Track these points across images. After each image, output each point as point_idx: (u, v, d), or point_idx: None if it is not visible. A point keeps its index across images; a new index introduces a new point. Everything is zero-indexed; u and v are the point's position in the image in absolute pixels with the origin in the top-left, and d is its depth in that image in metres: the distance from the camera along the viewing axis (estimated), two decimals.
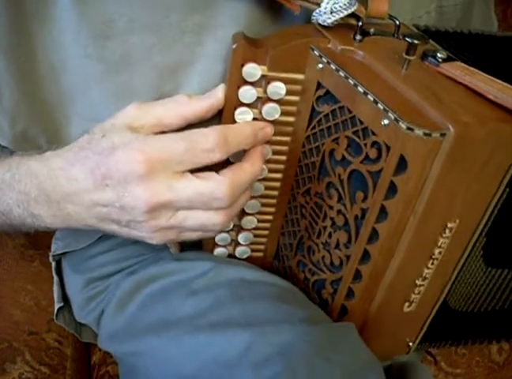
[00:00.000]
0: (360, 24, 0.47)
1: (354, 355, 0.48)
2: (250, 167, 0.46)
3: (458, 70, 0.44)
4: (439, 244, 0.46)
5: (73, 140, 0.49)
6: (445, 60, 0.45)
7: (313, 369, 0.45)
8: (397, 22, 0.48)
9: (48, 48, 0.48)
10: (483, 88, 0.43)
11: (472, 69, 0.45)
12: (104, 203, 0.45)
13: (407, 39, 0.43)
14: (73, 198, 0.45)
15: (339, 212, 0.48)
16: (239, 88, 0.48)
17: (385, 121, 0.41)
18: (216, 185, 0.44)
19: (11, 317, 0.68)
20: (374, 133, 0.42)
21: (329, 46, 0.47)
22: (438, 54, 0.45)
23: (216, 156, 0.44)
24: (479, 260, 0.51)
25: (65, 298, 0.67)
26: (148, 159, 0.42)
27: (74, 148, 0.46)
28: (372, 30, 0.48)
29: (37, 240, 0.78)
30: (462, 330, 0.59)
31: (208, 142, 0.43)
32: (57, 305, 0.66)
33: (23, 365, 0.63)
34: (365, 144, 0.43)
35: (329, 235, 0.50)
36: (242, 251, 0.58)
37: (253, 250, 0.59)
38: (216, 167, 0.45)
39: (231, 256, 0.59)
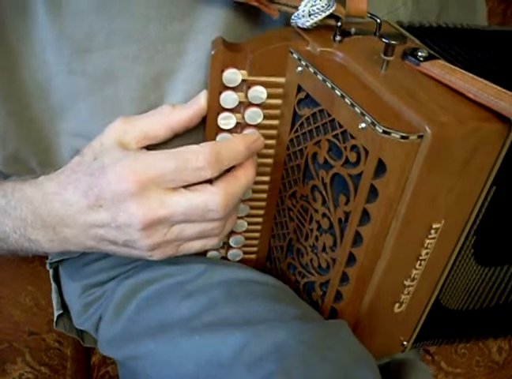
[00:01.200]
0: (339, 24, 0.46)
1: (348, 351, 0.48)
2: (243, 175, 0.46)
3: (439, 69, 0.44)
4: (426, 245, 0.46)
5: (64, 159, 0.50)
6: (426, 58, 0.45)
7: (308, 367, 0.45)
8: (378, 20, 0.48)
9: (32, 67, 0.48)
10: (464, 86, 0.42)
11: (453, 67, 0.44)
12: (100, 224, 0.45)
13: (383, 39, 0.43)
14: (69, 222, 0.46)
15: (324, 215, 0.48)
16: (220, 93, 0.48)
17: (363, 125, 0.40)
18: (210, 196, 0.44)
19: (11, 318, 0.68)
20: (352, 137, 0.42)
21: (308, 48, 0.46)
22: (419, 53, 0.45)
23: (208, 174, 0.43)
24: (470, 258, 0.51)
25: (64, 304, 0.68)
26: (138, 178, 0.42)
27: (66, 171, 0.47)
28: (353, 30, 0.48)
29: None
30: (458, 328, 0.59)
31: (199, 160, 0.43)
32: (56, 313, 0.66)
33: (23, 366, 0.64)
34: (345, 148, 0.43)
35: (316, 238, 0.50)
36: (234, 254, 0.58)
37: (245, 253, 0.59)
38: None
39: (224, 258, 0.59)
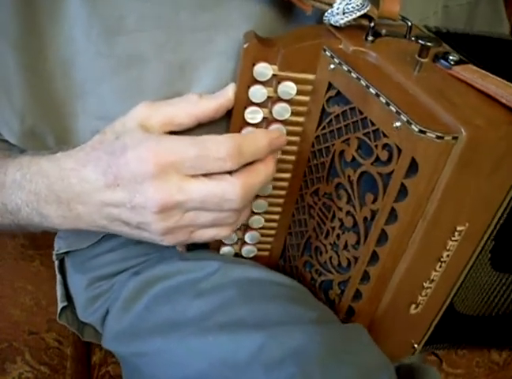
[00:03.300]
0: (372, 25, 0.47)
1: (366, 356, 0.48)
2: (264, 169, 0.46)
3: (470, 73, 0.44)
4: (448, 247, 0.46)
5: (81, 138, 0.49)
6: (457, 62, 0.45)
7: (327, 371, 0.45)
8: (409, 23, 0.48)
9: (59, 44, 0.47)
10: (496, 91, 0.42)
11: (483, 72, 0.45)
12: (115, 203, 0.45)
13: (420, 41, 0.43)
14: (84, 198, 0.45)
15: (348, 213, 0.48)
16: (249, 87, 0.48)
17: (397, 124, 0.41)
18: (229, 186, 0.43)
19: (11, 317, 0.67)
20: (385, 135, 0.42)
21: (341, 47, 0.47)
22: (450, 57, 0.45)
23: (228, 166, 0.43)
24: (486, 263, 0.51)
25: (68, 297, 0.67)
26: (159, 160, 0.42)
27: (86, 148, 0.46)
28: (384, 31, 0.48)
29: (37, 240, 0.78)
30: (467, 333, 0.59)
31: (221, 151, 0.43)
32: (60, 305, 0.66)
33: (23, 365, 0.63)
34: (376, 146, 0.43)
35: (338, 236, 0.50)
36: (248, 250, 0.58)
37: (259, 249, 0.58)
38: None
39: (237, 255, 0.59)
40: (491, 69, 0.47)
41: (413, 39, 0.44)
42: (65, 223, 0.48)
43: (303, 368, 0.45)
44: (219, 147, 0.43)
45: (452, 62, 0.45)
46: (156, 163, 0.42)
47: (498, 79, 0.44)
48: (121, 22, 0.46)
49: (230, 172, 0.44)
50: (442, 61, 0.45)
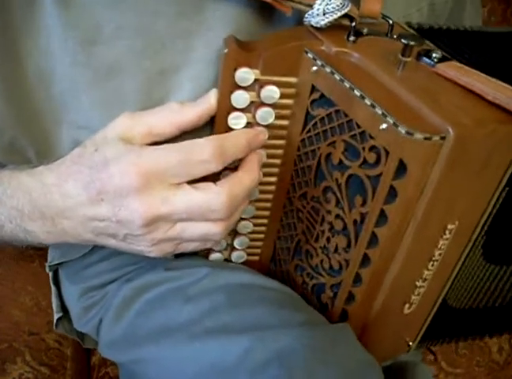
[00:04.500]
0: (354, 24, 0.46)
1: (351, 356, 0.48)
2: (248, 176, 0.46)
3: (454, 70, 0.44)
4: (439, 246, 0.46)
5: (62, 151, 0.49)
6: (440, 60, 0.45)
7: (311, 373, 0.45)
8: (391, 21, 0.48)
9: (36, 56, 0.46)
10: (481, 88, 0.42)
11: (468, 68, 0.44)
12: (100, 218, 0.44)
13: (402, 40, 0.43)
14: (68, 214, 0.45)
15: (337, 216, 0.47)
16: (231, 92, 0.47)
17: (384, 126, 0.40)
18: (214, 196, 0.43)
19: (11, 318, 0.68)
20: (372, 137, 0.42)
21: (323, 48, 0.46)
22: (434, 54, 0.45)
23: (213, 167, 0.43)
24: (478, 258, 0.51)
25: (64, 307, 0.67)
26: (142, 173, 0.42)
27: (67, 162, 0.45)
28: (365, 30, 0.48)
29: None
30: (462, 326, 0.59)
31: (204, 153, 0.42)
32: (56, 316, 0.65)
33: (23, 366, 0.63)
34: (363, 148, 0.43)
35: (328, 240, 0.49)
36: (238, 256, 0.57)
37: (249, 254, 0.58)
38: (213, 176, 0.44)
39: (227, 260, 0.58)
40: (475, 64, 0.47)
41: (395, 37, 0.43)
42: (50, 237, 0.47)
43: (288, 370, 0.45)
44: (202, 149, 0.42)
45: (435, 60, 0.45)
46: (139, 176, 0.42)
47: (483, 75, 0.43)
48: (97, 32, 0.46)
49: (214, 181, 0.44)
50: (426, 59, 0.45)
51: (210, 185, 0.44)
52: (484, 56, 0.49)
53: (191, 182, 0.44)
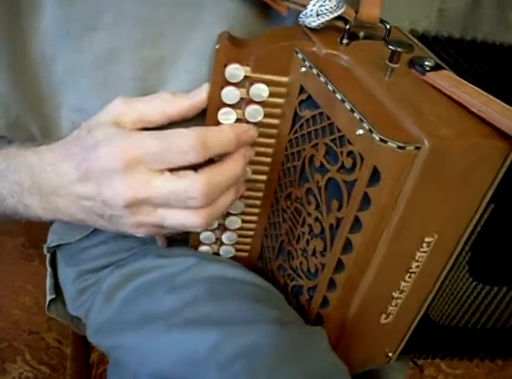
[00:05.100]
0: (348, 27, 0.46)
1: (319, 360, 0.47)
2: (229, 168, 0.45)
3: (444, 80, 0.43)
4: (417, 258, 0.45)
5: (63, 131, 0.51)
6: (433, 68, 0.44)
7: (274, 372, 0.45)
8: (388, 26, 0.47)
9: (39, 39, 0.48)
10: (468, 100, 0.41)
11: (459, 79, 0.43)
12: (87, 196, 0.46)
13: (390, 46, 0.42)
14: (61, 192, 0.47)
15: (316, 219, 0.47)
16: (222, 88, 0.47)
17: (360, 131, 0.40)
18: (191, 183, 0.43)
19: (11, 317, 0.69)
20: (350, 142, 0.41)
21: (314, 49, 0.46)
22: (426, 62, 0.44)
23: (190, 158, 0.43)
24: (464, 274, 0.50)
25: (58, 290, 0.68)
26: (127, 156, 0.43)
27: (66, 144, 0.47)
28: (362, 34, 0.47)
29: (37, 240, 0.79)
30: (448, 344, 0.58)
31: (185, 144, 0.43)
32: (49, 297, 0.67)
33: (23, 365, 0.64)
34: (341, 153, 0.42)
35: (307, 242, 0.49)
36: (226, 250, 0.58)
37: (237, 250, 0.58)
38: (201, 166, 0.44)
39: (217, 254, 0.58)
40: (475, 77, 0.45)
41: (384, 43, 0.43)
42: (46, 214, 0.49)
43: (251, 367, 0.45)
44: (183, 139, 0.43)
45: (427, 68, 0.44)
46: (124, 158, 0.43)
47: (473, 87, 0.42)
48: (98, 18, 0.47)
49: (195, 169, 0.44)
50: (417, 66, 0.44)
51: (190, 172, 0.44)
52: (491, 68, 0.48)
53: (176, 170, 0.44)
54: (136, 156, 0.43)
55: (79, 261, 0.65)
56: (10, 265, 0.75)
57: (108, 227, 0.48)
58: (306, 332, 0.49)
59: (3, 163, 0.50)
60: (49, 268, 0.69)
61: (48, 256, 0.69)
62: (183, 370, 0.49)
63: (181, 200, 0.44)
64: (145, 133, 0.45)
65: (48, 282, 0.68)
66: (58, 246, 0.67)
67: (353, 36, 0.46)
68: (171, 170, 0.44)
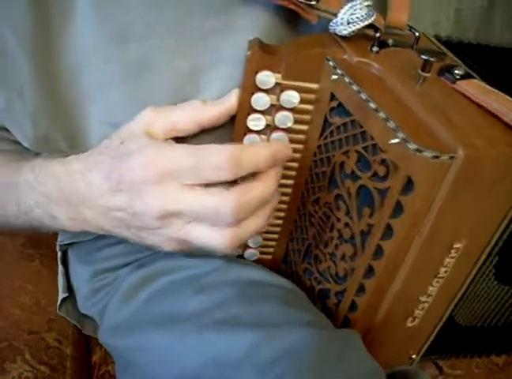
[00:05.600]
0: (378, 35, 0.46)
1: (359, 363, 0.48)
2: (261, 188, 0.45)
3: (474, 88, 0.43)
4: (445, 263, 0.46)
5: (92, 144, 0.50)
6: (462, 76, 0.44)
7: (318, 374, 0.45)
8: (417, 34, 0.47)
9: (70, 50, 0.48)
10: (499, 109, 0.42)
11: (489, 87, 0.44)
12: (118, 208, 0.46)
13: (423, 56, 0.42)
14: (90, 203, 0.47)
15: (346, 224, 0.48)
16: (252, 94, 0.48)
17: (395, 140, 0.40)
18: (222, 201, 0.43)
19: (11, 317, 0.68)
20: (383, 151, 0.42)
21: (345, 57, 0.46)
22: (456, 71, 0.44)
23: (225, 176, 0.43)
24: (490, 278, 0.51)
25: (69, 289, 0.68)
26: (159, 169, 0.43)
27: (94, 154, 0.48)
28: (391, 41, 0.48)
29: (37, 240, 0.79)
30: (469, 344, 0.59)
31: (218, 161, 0.42)
32: (61, 296, 0.67)
33: (23, 365, 0.64)
34: (374, 161, 0.43)
35: (336, 246, 0.50)
36: (250, 254, 0.58)
37: (261, 253, 0.59)
38: (233, 183, 0.44)
39: (240, 257, 0.59)
40: (502, 84, 0.46)
41: (417, 52, 0.43)
42: (74, 225, 0.49)
43: (295, 369, 0.45)
44: (218, 156, 0.43)
45: (457, 76, 0.44)
46: (157, 171, 0.43)
47: (504, 96, 0.43)
48: (129, 28, 0.47)
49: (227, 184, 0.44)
50: (448, 74, 0.45)
51: (221, 190, 0.44)
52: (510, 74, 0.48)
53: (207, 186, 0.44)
54: (169, 170, 0.43)
55: (95, 260, 0.65)
56: (10, 265, 0.75)
57: (134, 238, 0.48)
58: (342, 334, 0.49)
59: (30, 174, 0.50)
60: (61, 267, 0.69)
61: (60, 254, 0.69)
62: (215, 372, 0.49)
63: (210, 218, 0.44)
64: (179, 145, 0.45)
65: (61, 280, 0.68)
66: (70, 244, 0.67)
67: (383, 44, 0.47)
68: (203, 185, 0.44)
